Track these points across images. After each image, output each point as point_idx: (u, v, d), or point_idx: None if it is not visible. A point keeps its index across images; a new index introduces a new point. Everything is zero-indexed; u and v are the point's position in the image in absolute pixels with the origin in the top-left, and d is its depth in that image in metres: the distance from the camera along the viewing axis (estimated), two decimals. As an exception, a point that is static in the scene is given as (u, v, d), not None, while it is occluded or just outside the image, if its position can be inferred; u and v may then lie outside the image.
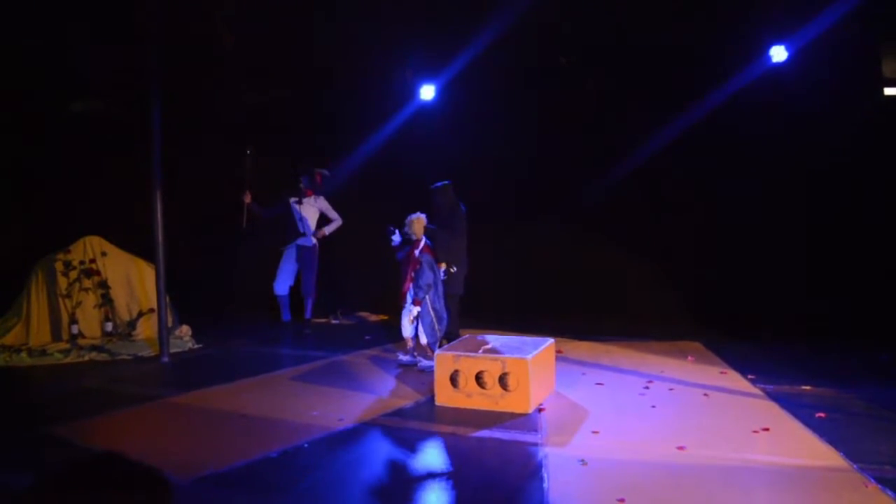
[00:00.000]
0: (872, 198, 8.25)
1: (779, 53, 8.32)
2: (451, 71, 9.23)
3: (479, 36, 8.47)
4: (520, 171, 9.59)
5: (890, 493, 3.73)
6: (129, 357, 7.56)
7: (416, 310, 6.90)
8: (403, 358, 7.09)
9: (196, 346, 8.09)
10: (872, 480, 3.90)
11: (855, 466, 4.13)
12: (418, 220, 7.05)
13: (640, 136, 9.03)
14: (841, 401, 5.57)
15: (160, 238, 7.29)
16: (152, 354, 7.62)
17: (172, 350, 7.61)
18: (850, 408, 5.39)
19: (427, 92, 9.60)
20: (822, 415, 5.15)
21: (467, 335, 6.61)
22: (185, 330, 8.28)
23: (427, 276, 6.87)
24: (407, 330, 7.04)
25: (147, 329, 8.20)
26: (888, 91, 8.41)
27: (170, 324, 7.91)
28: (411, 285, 6.94)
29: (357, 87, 9.70)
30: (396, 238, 7.12)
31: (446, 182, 7.68)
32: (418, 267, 6.91)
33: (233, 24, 8.53)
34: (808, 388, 5.98)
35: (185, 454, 4.55)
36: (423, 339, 6.92)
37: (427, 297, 6.85)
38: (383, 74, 9.60)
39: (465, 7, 8.22)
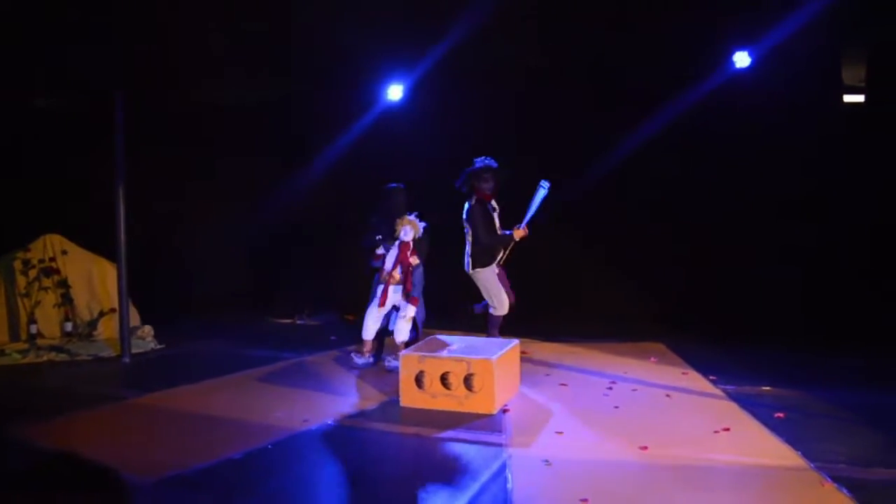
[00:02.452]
0: (833, 201, 8.40)
1: (742, 59, 8.44)
2: (419, 71, 9.20)
3: (447, 37, 8.47)
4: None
5: (845, 491, 3.80)
6: (89, 357, 7.44)
7: (412, 309, 6.89)
8: (359, 361, 7.02)
9: (158, 347, 7.98)
10: (828, 479, 3.98)
11: (812, 465, 4.20)
12: (413, 222, 6.94)
13: (605, 139, 9.09)
14: (799, 401, 5.67)
15: (122, 236, 7.20)
16: (113, 355, 7.51)
17: (134, 350, 7.50)
18: (808, 408, 5.49)
19: (395, 92, 9.56)
20: (780, 415, 5.24)
21: (432, 336, 6.62)
22: (148, 330, 8.17)
23: (422, 275, 7.02)
24: (403, 333, 6.90)
25: (108, 329, 8.09)
26: (847, 98, 8.58)
27: (132, 324, 7.81)
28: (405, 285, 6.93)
29: (323, 88, 9.65)
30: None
31: (398, 185, 7.44)
32: (416, 266, 6.95)
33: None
34: (767, 388, 6.09)
35: (145, 455, 4.49)
36: (405, 337, 6.89)
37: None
38: (350, 74, 9.56)
39: (433, 7, 8.20)
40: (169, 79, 8.99)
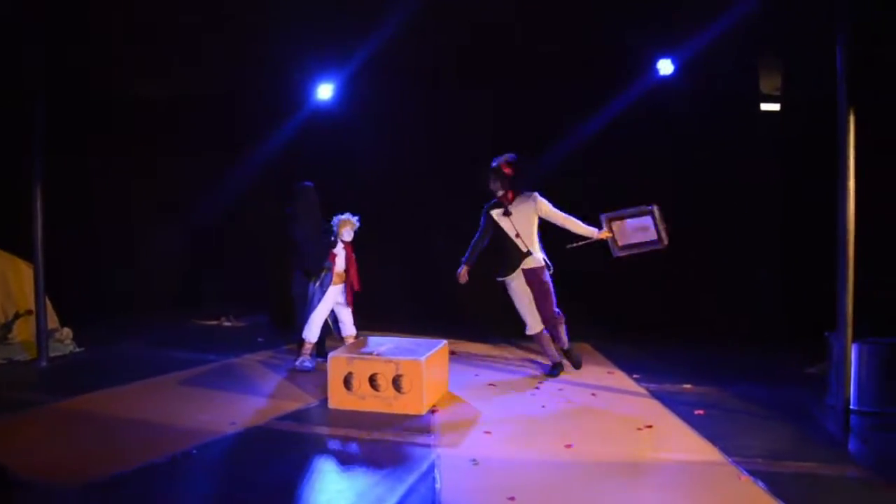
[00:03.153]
0: (751, 206, 8.69)
1: (666, 66, 8.64)
2: (349, 69, 9.13)
3: (376, 37, 8.43)
4: (417, 174, 9.60)
5: (761, 484, 3.96)
6: (3, 361, 7.16)
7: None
8: (308, 364, 6.90)
9: (78, 350, 7.74)
10: (745, 473, 4.13)
11: (730, 460, 4.36)
12: (353, 222, 6.98)
13: (536, 144, 9.19)
14: (718, 398, 5.87)
15: (39, 235, 6.97)
16: (29, 358, 7.24)
17: (52, 354, 7.25)
18: (727, 405, 5.69)
19: (324, 91, 9.46)
20: (700, 412, 5.41)
21: (361, 337, 6.61)
22: (67, 333, 7.91)
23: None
24: (351, 329, 7.15)
25: (24, 332, 7.78)
26: (764, 106, 8.88)
27: (50, 326, 7.54)
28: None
29: (252, 87, 9.51)
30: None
31: (307, 184, 7.24)
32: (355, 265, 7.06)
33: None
34: (688, 386, 6.27)
35: (64, 462, 4.35)
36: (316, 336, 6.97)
37: None
38: (280, 73, 9.44)
39: (361, 7, 8.16)
40: (92, 76, 8.74)
